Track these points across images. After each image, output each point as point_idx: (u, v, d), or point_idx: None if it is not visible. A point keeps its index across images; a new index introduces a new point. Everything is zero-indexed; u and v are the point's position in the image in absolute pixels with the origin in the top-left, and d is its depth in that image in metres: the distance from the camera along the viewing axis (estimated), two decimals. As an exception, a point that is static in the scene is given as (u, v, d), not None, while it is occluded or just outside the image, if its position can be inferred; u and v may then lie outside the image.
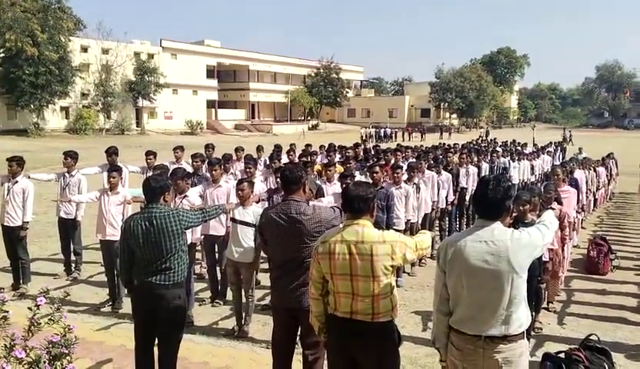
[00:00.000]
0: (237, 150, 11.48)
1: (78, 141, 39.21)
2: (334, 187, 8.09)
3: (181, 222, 4.34)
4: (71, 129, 47.30)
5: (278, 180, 6.79)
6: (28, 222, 7.78)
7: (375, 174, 7.97)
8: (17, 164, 7.64)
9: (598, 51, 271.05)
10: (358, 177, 9.23)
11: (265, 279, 7.80)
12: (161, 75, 52.17)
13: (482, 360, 3.12)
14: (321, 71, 69.31)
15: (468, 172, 11.94)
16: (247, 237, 6.14)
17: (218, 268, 7.50)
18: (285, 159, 11.11)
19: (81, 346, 5.52)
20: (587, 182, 13.11)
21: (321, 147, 14.39)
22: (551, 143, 25.70)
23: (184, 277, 4.46)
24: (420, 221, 9.09)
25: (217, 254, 7.55)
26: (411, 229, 8.42)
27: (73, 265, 8.71)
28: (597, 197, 15.96)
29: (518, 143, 22.13)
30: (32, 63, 40.40)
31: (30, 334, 3.04)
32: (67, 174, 8.42)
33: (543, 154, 19.42)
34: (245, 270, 6.25)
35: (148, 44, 56.88)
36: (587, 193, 13.16)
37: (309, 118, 69.62)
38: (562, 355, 4.75)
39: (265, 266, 7.98)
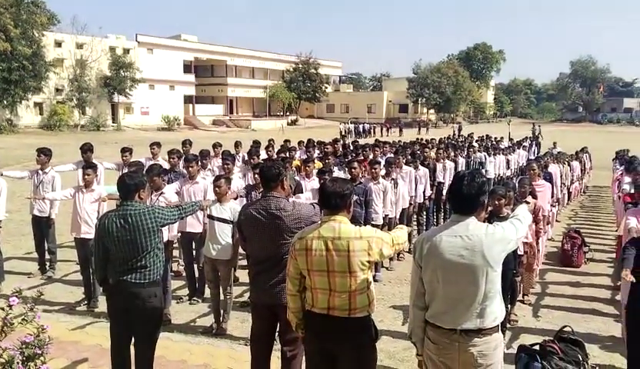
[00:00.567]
0: (214, 146, 11.41)
1: (52, 137, 38.54)
2: (312, 183, 8.10)
3: (157, 219, 4.30)
4: (46, 125, 46.45)
5: (257, 176, 6.78)
6: (1, 220, 7.64)
7: (353, 170, 8.01)
8: (-11, 161, 7.49)
9: (573, 47, 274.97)
10: (337, 172, 9.27)
11: (243, 276, 7.79)
12: (137, 70, 51.50)
13: (458, 354, 3.15)
14: (300, 66, 69.13)
15: (445, 167, 12.05)
16: (224, 234, 6.11)
17: (195, 266, 7.46)
18: (263, 155, 11.08)
19: (56, 346, 5.46)
20: (561, 176, 13.33)
21: (300, 142, 14.37)
22: (526, 138, 26.03)
23: (160, 275, 4.43)
24: (398, 216, 9.16)
25: (194, 252, 7.50)
26: (389, 224, 8.47)
27: (47, 264, 8.58)
28: (571, 190, 16.23)
29: (495, 138, 22.35)
30: (5, 58, 39.54)
31: (3, 335, 2.99)
32: (40, 172, 8.28)
33: (518, 148, 19.66)
34: (222, 268, 6.22)
35: (123, 38, 56.11)
36: (561, 187, 13.39)
37: (288, 113, 69.49)
38: (537, 347, 4.83)
39: (244, 263, 7.98)
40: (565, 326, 5.22)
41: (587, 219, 14.50)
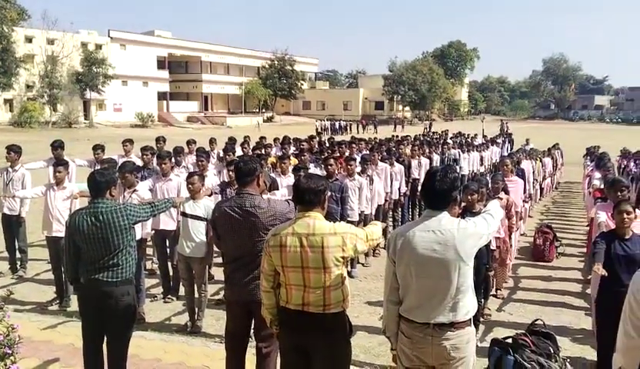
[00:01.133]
0: (189, 143, 11.31)
1: (22, 134, 37.76)
2: (288, 180, 8.09)
3: (129, 217, 4.25)
4: (16, 122, 45.52)
5: (232, 173, 6.74)
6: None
7: (329, 167, 8.03)
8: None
9: (545, 45, 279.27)
10: (313, 169, 9.28)
11: (218, 273, 7.74)
12: (109, 66, 50.77)
13: (431, 347, 3.18)
14: (276, 62, 68.89)
15: (420, 164, 12.16)
16: (198, 232, 6.07)
17: (169, 263, 7.40)
18: (239, 152, 11.03)
19: (28, 345, 5.38)
20: (533, 172, 13.54)
21: (275, 139, 14.33)
22: (499, 135, 26.37)
23: (132, 273, 4.38)
24: (373, 213, 9.20)
25: (168, 249, 7.43)
26: (364, 220, 8.50)
27: (18, 263, 8.42)
28: (543, 186, 16.50)
29: (468, 135, 22.59)
30: (-27, 54, 38.70)
31: (-29, 335, 2.92)
32: (10, 169, 8.11)
33: (492, 145, 19.92)
34: (197, 265, 6.18)
35: (95, 34, 55.29)
36: (533, 183, 13.60)
37: (264, 110, 69.23)
38: (510, 340, 4.90)
39: (219, 260, 7.93)
40: (537, 319, 5.31)
41: (558, 214, 14.75)
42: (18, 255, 8.43)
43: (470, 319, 3.24)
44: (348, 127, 55.32)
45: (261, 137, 13.92)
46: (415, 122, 69.31)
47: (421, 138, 20.01)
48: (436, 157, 13.97)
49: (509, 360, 4.62)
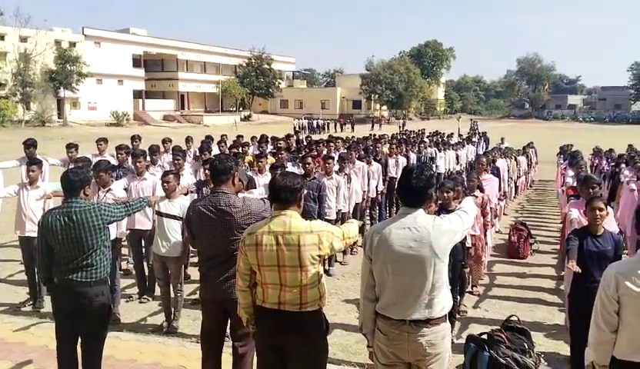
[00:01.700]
0: (164, 141, 11.20)
1: (-6, 133, 37.03)
2: (265, 179, 8.05)
3: (103, 217, 4.20)
4: (-12, 121, 44.58)
5: (208, 172, 6.69)
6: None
7: (307, 165, 8.04)
8: None
9: (520, 45, 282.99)
10: (290, 168, 9.26)
11: (195, 273, 7.68)
12: (84, 64, 49.95)
13: (407, 344, 3.21)
14: (253, 61, 68.57)
15: (397, 162, 12.23)
16: (174, 231, 6.02)
17: (145, 263, 7.32)
18: (215, 150, 10.96)
19: (0, 347, 5.29)
20: (508, 171, 13.72)
21: (253, 138, 14.28)
22: (475, 133, 26.63)
23: (107, 273, 4.33)
24: (351, 211, 9.23)
25: (144, 249, 7.36)
26: (342, 219, 8.52)
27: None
28: (518, 184, 16.71)
29: (444, 134, 22.78)
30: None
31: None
32: (-20, 169, 7.94)
33: (468, 144, 20.11)
34: (172, 265, 6.14)
35: (69, 31, 54.40)
36: (508, 181, 13.77)
37: (241, 108, 68.87)
38: (485, 336, 4.96)
39: (195, 260, 7.87)
40: (512, 315, 5.38)
41: (533, 212, 14.96)
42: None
43: (445, 315, 3.27)
44: (326, 126, 55.37)
45: (239, 136, 13.86)
46: (392, 121, 69.63)
47: (398, 137, 20.10)
48: (413, 156, 14.06)
49: (484, 356, 4.68)
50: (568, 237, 5.15)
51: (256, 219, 3.90)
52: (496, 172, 10.85)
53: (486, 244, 7.92)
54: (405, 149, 14.02)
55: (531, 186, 19.86)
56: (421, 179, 3.21)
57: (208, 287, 4.19)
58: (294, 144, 13.79)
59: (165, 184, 6.09)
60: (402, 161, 12.44)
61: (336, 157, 9.40)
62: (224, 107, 69.11)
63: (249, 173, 8.16)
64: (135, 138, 10.51)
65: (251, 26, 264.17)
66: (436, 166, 14.97)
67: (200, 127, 49.24)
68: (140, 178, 7.40)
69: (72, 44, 52.62)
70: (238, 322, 3.79)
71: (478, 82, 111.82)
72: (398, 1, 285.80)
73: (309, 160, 8.19)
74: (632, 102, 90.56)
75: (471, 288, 7.69)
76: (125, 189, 7.17)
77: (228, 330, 4.30)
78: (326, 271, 8.32)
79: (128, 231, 7.13)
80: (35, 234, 6.57)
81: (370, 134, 20.87)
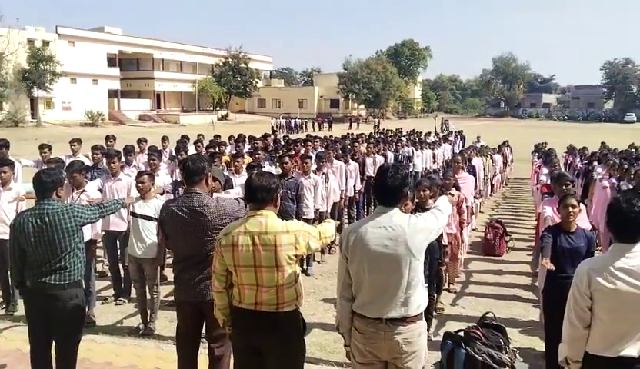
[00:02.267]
0: (140, 141, 11.08)
1: (-35, 134, 36.20)
2: (242, 179, 8.01)
3: (76, 218, 4.13)
4: (-41, 122, 43.62)
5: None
6: None
7: (284, 165, 8.03)
8: None
9: (496, 45, 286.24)
10: (268, 167, 9.25)
11: (171, 274, 7.59)
12: (57, 64, 49.11)
13: (384, 342, 3.22)
14: (230, 60, 68.16)
15: (374, 161, 12.26)
16: (149, 232, 5.95)
17: (120, 265, 7.24)
18: (192, 150, 10.87)
19: (-29, 353, 5.17)
20: (484, 169, 13.89)
21: (230, 137, 14.21)
22: (451, 132, 26.88)
23: (81, 275, 4.28)
24: (329, 210, 9.23)
25: (119, 250, 7.27)
26: (320, 218, 8.52)
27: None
28: (493, 182, 16.91)
29: (421, 132, 22.95)
30: None
31: None
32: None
33: (444, 143, 20.29)
34: (148, 266, 6.07)
35: (42, 30, 53.42)
36: (484, 179, 13.94)
37: (218, 108, 68.43)
38: (461, 333, 5.00)
39: (172, 261, 7.79)
40: (488, 312, 5.44)
41: (508, 210, 15.15)
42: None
43: (421, 313, 3.29)
44: (304, 126, 55.33)
45: (216, 136, 13.79)
46: (369, 120, 69.89)
47: (375, 136, 20.19)
48: (390, 155, 14.13)
49: (461, 353, 4.72)
50: (542, 235, 5.21)
51: (230, 219, 3.87)
52: (472, 170, 10.96)
53: (462, 241, 7.99)
54: (382, 148, 14.10)
55: (506, 184, 20.10)
56: (396, 178, 3.23)
57: (182, 288, 4.15)
58: (271, 144, 13.76)
59: (140, 185, 6.02)
60: (380, 160, 12.48)
61: (314, 157, 9.40)
62: (201, 106, 68.61)
63: (226, 173, 8.11)
64: (110, 138, 10.39)
65: (228, 25, 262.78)
66: (413, 165, 15.09)
67: (176, 127, 48.78)
68: (115, 179, 7.30)
69: (46, 44, 51.70)
70: (214, 323, 3.76)
71: (454, 81, 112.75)
72: (376, 1, 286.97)
73: (287, 159, 8.19)
74: (605, 101, 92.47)
75: (448, 286, 7.75)
76: (100, 190, 7.06)
77: (204, 332, 4.26)
78: (304, 271, 8.31)
79: (103, 233, 7.03)
80: (7, 237, 6.41)
81: (348, 134, 20.92)
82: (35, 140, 22.23)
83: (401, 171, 3.27)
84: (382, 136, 20.70)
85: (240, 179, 8.04)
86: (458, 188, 7.56)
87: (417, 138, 19.57)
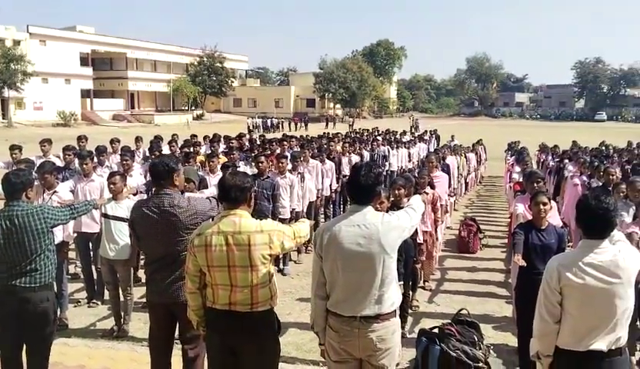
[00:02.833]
0: (112, 141, 10.94)
1: None
2: (217, 179, 7.94)
3: (46, 220, 4.07)
4: None
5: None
6: None
7: (260, 164, 8.01)
8: None
9: (469, 44, 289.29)
10: (243, 167, 9.21)
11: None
12: (28, 63, 48.16)
13: (358, 340, 3.24)
14: (205, 59, 67.68)
15: (350, 161, 12.29)
16: (122, 233, 5.87)
17: (93, 267, 7.13)
18: (166, 150, 10.78)
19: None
20: (458, 167, 14.02)
21: (205, 137, 14.11)
22: (426, 131, 27.09)
23: (52, 278, 4.21)
24: (305, 210, 9.23)
25: (92, 252, 7.17)
26: (296, 218, 8.51)
27: None
28: (468, 181, 17.09)
29: (396, 132, 23.08)
30: None
31: None
32: None
33: (420, 142, 20.44)
34: (121, 268, 6.00)
35: (13, 29, 52.34)
36: (458, 177, 14.07)
37: (193, 107, 67.86)
38: (436, 330, 5.05)
39: (147, 261, 7.71)
40: (462, 309, 5.50)
41: (482, 207, 15.33)
42: None
43: (395, 310, 3.32)
44: (280, 125, 55.22)
45: (192, 136, 13.68)
46: (346, 120, 70.04)
47: (351, 136, 20.26)
48: (366, 154, 14.18)
49: (436, 349, 4.77)
50: (514, 232, 5.29)
51: (202, 219, 3.85)
52: (446, 169, 11.05)
53: (437, 239, 8.06)
54: (358, 147, 14.15)
55: (480, 182, 20.32)
56: (369, 176, 3.25)
57: (154, 290, 4.11)
58: (246, 144, 13.70)
59: (112, 186, 5.94)
60: (356, 159, 12.51)
61: (289, 156, 9.39)
62: (175, 106, 67.97)
63: (201, 173, 8.06)
64: (82, 139, 10.25)
65: (203, 24, 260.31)
66: (389, 164, 15.17)
67: (151, 127, 48.21)
68: (87, 180, 7.20)
69: (16, 43, 50.66)
70: (187, 325, 3.73)
71: (429, 81, 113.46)
72: (351, 0, 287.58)
73: (262, 159, 8.17)
74: (576, 100, 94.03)
75: (423, 283, 7.80)
76: (72, 191, 6.95)
77: (177, 334, 4.23)
78: (280, 270, 8.30)
79: (75, 234, 6.92)
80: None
81: (324, 133, 20.93)
82: (6, 141, 21.74)
83: (375, 169, 3.29)
84: (358, 136, 20.78)
85: (215, 179, 7.97)
86: (432, 187, 7.62)
87: (392, 138, 19.67)
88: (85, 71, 59.04)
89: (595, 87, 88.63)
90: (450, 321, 5.28)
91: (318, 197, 10.19)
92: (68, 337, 5.76)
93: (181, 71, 69.08)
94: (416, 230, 5.71)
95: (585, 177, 9.18)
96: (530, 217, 5.32)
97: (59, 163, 8.35)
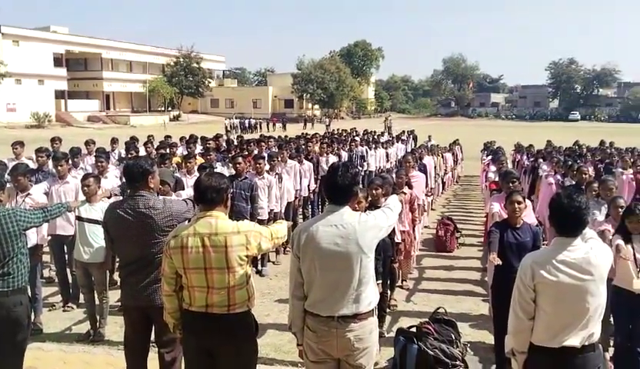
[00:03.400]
0: (87, 143, 10.80)
1: None
2: (194, 180, 7.89)
3: (19, 223, 3.99)
4: None
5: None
6: None
7: (237, 165, 7.98)
8: None
9: (446, 45, 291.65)
10: (220, 168, 9.17)
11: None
12: (1, 64, 47.32)
13: (336, 340, 3.24)
14: (181, 60, 67.14)
15: (328, 161, 12.30)
16: (96, 236, 5.79)
17: (68, 270, 7.03)
18: (142, 152, 10.67)
19: None
20: (435, 167, 14.14)
21: (181, 138, 14.00)
22: (404, 132, 27.26)
23: (25, 281, 4.13)
24: (283, 210, 9.22)
25: (66, 255, 7.06)
26: (274, 218, 8.50)
27: None
28: (444, 180, 17.26)
29: (374, 132, 23.18)
30: None
31: None
32: None
33: (397, 142, 20.57)
34: (96, 271, 5.92)
35: (-16, 30, 51.41)
36: (435, 177, 14.19)
37: (170, 108, 67.24)
38: (414, 329, 5.09)
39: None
40: (439, 308, 5.56)
41: (459, 207, 15.48)
42: None
43: (373, 310, 3.33)
44: (258, 126, 55.05)
45: (167, 136, 13.57)
46: (324, 120, 70.10)
47: (330, 136, 20.30)
48: (344, 155, 14.22)
49: (413, 348, 4.81)
50: (490, 230, 5.35)
51: (178, 220, 3.82)
52: (423, 169, 11.14)
53: (414, 238, 8.12)
54: (336, 148, 14.18)
55: (457, 182, 20.53)
56: (346, 177, 3.26)
57: (129, 293, 4.06)
58: (223, 144, 13.63)
59: (85, 188, 5.86)
60: (334, 159, 12.54)
61: (267, 157, 9.37)
62: (152, 107, 67.29)
63: (177, 174, 7.99)
64: (56, 140, 10.10)
65: (180, 24, 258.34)
66: (367, 164, 15.23)
67: (127, 128, 47.64)
68: (62, 182, 7.09)
69: (-12, 43, 49.77)
70: (163, 328, 3.70)
71: (406, 82, 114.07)
72: (328, 1, 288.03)
73: (240, 160, 8.14)
74: (550, 100, 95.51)
75: (401, 283, 7.85)
76: (46, 193, 6.85)
77: (153, 337, 4.19)
78: (259, 272, 8.28)
79: (50, 237, 6.81)
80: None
81: (302, 133, 20.93)
82: (-23, 143, 21.33)
83: (351, 169, 3.30)
84: (335, 136, 20.84)
85: (192, 180, 7.91)
86: (410, 187, 7.67)
87: (370, 138, 19.76)
88: (59, 71, 58.13)
89: (568, 87, 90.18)
90: (428, 320, 5.33)
91: (296, 197, 10.18)
92: (43, 342, 5.66)
93: (158, 72, 68.43)
94: (394, 229, 5.74)
95: (558, 176, 9.34)
96: (505, 216, 5.38)
97: (32, 165, 8.21)
